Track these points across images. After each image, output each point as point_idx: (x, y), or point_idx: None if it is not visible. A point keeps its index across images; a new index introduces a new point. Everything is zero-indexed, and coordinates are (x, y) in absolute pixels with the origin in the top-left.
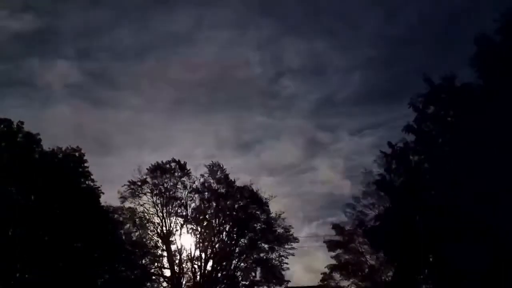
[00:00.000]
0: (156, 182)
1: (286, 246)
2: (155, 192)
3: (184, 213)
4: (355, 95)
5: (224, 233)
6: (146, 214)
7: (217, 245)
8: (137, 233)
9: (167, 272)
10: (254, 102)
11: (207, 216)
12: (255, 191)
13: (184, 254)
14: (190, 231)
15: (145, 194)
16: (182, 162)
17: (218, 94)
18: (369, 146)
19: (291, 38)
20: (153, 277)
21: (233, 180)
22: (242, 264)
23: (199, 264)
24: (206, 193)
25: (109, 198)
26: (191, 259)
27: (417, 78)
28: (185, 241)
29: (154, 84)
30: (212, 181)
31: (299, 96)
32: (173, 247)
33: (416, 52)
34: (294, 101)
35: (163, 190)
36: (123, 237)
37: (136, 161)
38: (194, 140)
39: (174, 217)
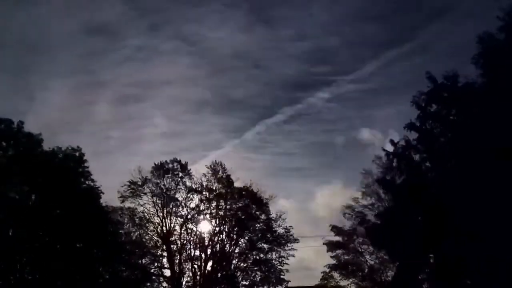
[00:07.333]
0: (157, 181)
1: (286, 247)
2: (155, 192)
3: (184, 213)
4: None
5: (224, 233)
6: (146, 214)
7: (217, 245)
8: (137, 233)
9: (167, 272)
10: None
11: (207, 216)
12: (255, 191)
13: (184, 254)
14: (190, 231)
15: (145, 194)
16: (183, 162)
17: None
18: None
19: None
20: (153, 277)
21: (233, 180)
22: (242, 264)
23: (199, 264)
24: (206, 193)
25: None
26: (191, 259)
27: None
28: (185, 241)
29: None
30: (213, 181)
31: None
32: (173, 247)
33: None
34: None
35: (164, 190)
36: (123, 237)
37: None
38: None
39: (174, 217)
